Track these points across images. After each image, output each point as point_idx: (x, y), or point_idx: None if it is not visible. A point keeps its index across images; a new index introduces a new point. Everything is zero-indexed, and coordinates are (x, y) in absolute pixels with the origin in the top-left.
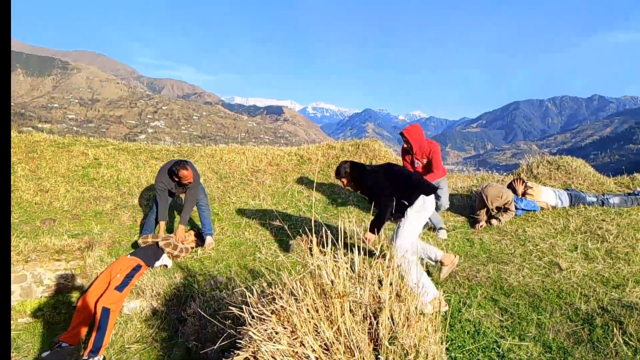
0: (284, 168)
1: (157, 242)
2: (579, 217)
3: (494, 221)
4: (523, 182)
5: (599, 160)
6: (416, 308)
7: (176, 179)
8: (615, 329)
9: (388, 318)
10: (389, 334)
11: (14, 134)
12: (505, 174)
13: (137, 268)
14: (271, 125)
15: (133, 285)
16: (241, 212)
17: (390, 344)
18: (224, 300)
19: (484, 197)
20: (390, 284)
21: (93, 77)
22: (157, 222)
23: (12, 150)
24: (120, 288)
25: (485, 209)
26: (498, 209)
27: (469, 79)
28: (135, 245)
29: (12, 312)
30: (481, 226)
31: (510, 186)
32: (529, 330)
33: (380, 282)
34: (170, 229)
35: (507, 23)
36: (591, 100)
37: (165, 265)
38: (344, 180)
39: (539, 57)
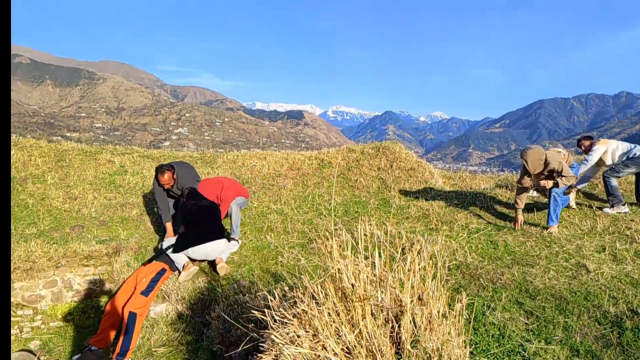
0: (305, 172)
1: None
2: (606, 218)
3: (540, 187)
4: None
5: None
6: (438, 311)
7: (160, 183)
8: None
9: (410, 321)
10: (411, 337)
11: (43, 143)
12: None
13: (161, 272)
14: (292, 130)
15: (159, 289)
16: (263, 216)
17: (412, 347)
18: (247, 304)
19: (524, 162)
20: (412, 287)
21: (118, 86)
22: (164, 226)
23: (42, 159)
24: (146, 293)
25: (530, 177)
26: (544, 175)
27: (491, 78)
28: (157, 250)
29: (44, 316)
30: (532, 190)
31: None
32: (555, 334)
33: (401, 285)
34: None
35: (527, 22)
36: (618, 98)
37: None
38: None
39: (561, 55)
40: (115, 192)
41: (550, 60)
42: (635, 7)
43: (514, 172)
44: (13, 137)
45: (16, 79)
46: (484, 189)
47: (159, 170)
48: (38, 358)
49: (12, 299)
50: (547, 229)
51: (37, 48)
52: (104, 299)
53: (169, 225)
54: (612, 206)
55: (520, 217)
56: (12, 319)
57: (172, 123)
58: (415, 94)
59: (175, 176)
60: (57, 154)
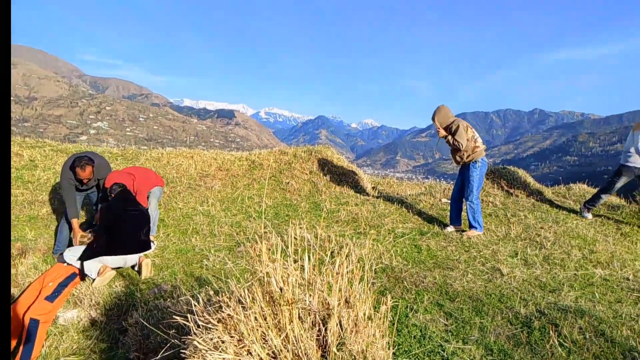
0: (235, 173)
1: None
2: (519, 225)
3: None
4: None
5: (539, 171)
6: (364, 314)
7: (78, 177)
8: (551, 331)
9: (337, 324)
10: (337, 340)
11: None
12: (452, 182)
13: (72, 276)
14: (222, 129)
15: (68, 294)
16: (188, 217)
17: (338, 350)
18: (169, 309)
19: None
20: (340, 290)
21: (31, 73)
22: (69, 223)
23: None
24: (51, 298)
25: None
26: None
27: (419, 90)
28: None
29: None
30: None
31: None
32: (472, 334)
33: (329, 288)
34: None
35: (454, 39)
36: (532, 114)
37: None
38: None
39: (484, 72)
40: (23, 189)
41: (474, 76)
42: (550, 33)
43: (438, 180)
44: None
45: None
46: (409, 195)
47: (79, 164)
48: None
49: None
50: (465, 232)
51: None
52: None
53: (75, 222)
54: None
55: None
56: None
57: (91, 116)
58: (348, 100)
59: (93, 169)
60: None
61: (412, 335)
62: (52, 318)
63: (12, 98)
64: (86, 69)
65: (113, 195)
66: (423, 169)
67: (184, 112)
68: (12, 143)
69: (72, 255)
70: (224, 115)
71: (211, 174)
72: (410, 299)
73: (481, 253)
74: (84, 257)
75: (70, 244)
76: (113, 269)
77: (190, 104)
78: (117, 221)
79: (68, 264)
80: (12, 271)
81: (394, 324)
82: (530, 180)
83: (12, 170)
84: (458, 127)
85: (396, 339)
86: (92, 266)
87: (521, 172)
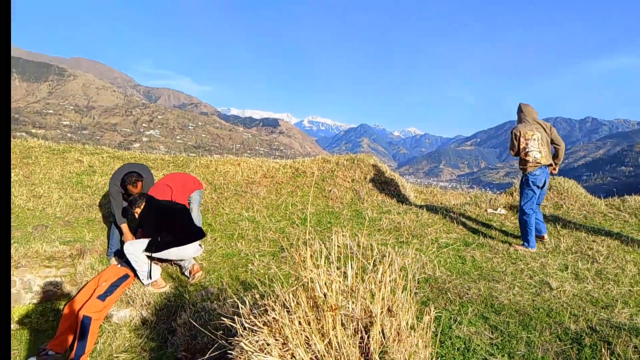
0: (279, 180)
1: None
2: (570, 237)
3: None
4: None
5: (591, 182)
6: (407, 323)
7: (129, 192)
8: (603, 349)
9: (379, 332)
10: (379, 348)
11: None
12: (498, 192)
13: (124, 277)
14: (266, 138)
15: (120, 294)
16: (234, 223)
17: (380, 358)
18: (215, 311)
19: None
20: (382, 299)
21: (89, 84)
22: (119, 227)
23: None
24: (102, 297)
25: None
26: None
27: (463, 99)
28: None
29: None
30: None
31: None
32: (518, 349)
33: (372, 296)
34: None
35: (499, 50)
36: (584, 122)
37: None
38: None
39: (532, 80)
40: (83, 193)
41: (520, 84)
42: (602, 40)
43: (484, 189)
44: None
45: None
46: (454, 204)
47: (130, 181)
48: None
49: None
50: (518, 245)
51: None
52: (64, 302)
53: (125, 227)
54: None
55: None
56: None
57: (144, 124)
58: (391, 109)
59: (142, 184)
60: (22, 151)
61: (456, 348)
62: (104, 316)
63: (72, 107)
64: (140, 79)
65: (139, 206)
66: (468, 178)
67: (230, 121)
68: (73, 150)
69: (134, 249)
70: (269, 124)
71: (257, 181)
72: (454, 311)
73: (529, 266)
74: (151, 249)
75: (122, 246)
76: (175, 262)
77: (237, 113)
78: (166, 221)
79: (121, 265)
80: (71, 270)
81: (436, 335)
82: (581, 191)
83: (73, 175)
84: (510, 134)
85: (439, 350)
86: (155, 269)
87: (572, 183)
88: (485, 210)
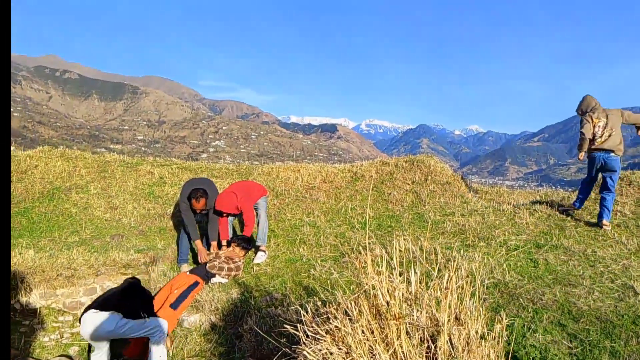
0: (338, 185)
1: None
2: None
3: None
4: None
5: None
6: (477, 332)
7: (193, 208)
8: None
9: (447, 342)
10: (447, 359)
11: (88, 154)
12: (570, 190)
13: (193, 285)
14: (325, 143)
15: (190, 301)
16: (296, 228)
17: None
18: (279, 317)
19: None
20: (449, 306)
21: (160, 100)
22: (191, 243)
23: (86, 170)
24: (174, 305)
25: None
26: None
27: (529, 92)
28: (195, 259)
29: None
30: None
31: None
32: (601, 359)
33: (437, 303)
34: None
35: (566, 36)
36: None
37: (221, 282)
38: None
39: (603, 67)
40: (154, 203)
41: (592, 74)
42: None
43: (554, 187)
44: (60, 148)
45: (65, 94)
46: (522, 204)
47: (195, 196)
48: None
49: (54, 305)
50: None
51: (86, 64)
52: None
53: (198, 243)
54: None
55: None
56: (54, 324)
57: (210, 136)
58: (451, 107)
59: (207, 201)
60: (100, 165)
61: (531, 358)
62: (176, 322)
63: (145, 122)
64: (205, 93)
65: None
66: (536, 176)
67: (290, 129)
68: (145, 162)
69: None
70: (327, 130)
71: (316, 186)
72: (528, 318)
73: (609, 268)
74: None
75: (188, 251)
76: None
77: (296, 120)
78: None
79: (191, 273)
80: (146, 277)
81: (509, 345)
82: None
83: (146, 186)
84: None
85: None
86: None
87: None
88: (558, 210)
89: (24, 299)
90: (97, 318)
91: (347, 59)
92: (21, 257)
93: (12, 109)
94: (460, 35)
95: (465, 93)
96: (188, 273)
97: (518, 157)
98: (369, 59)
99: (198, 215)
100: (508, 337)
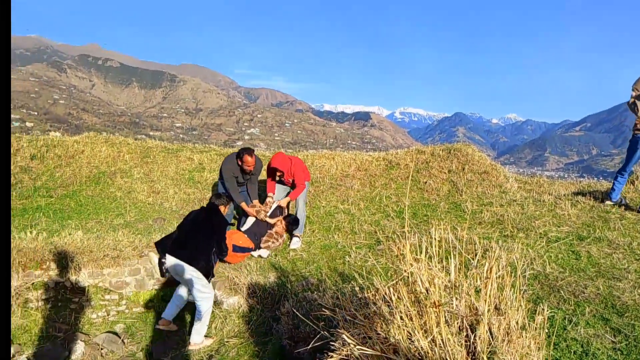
0: (372, 173)
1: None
2: None
3: None
4: None
5: None
6: (517, 323)
7: (239, 163)
8: None
9: (486, 331)
10: (487, 348)
11: (131, 140)
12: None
13: (250, 249)
14: (358, 131)
15: (241, 260)
16: (331, 215)
17: (488, 359)
18: (316, 301)
19: None
20: (489, 296)
21: (197, 88)
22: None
23: (129, 155)
24: (235, 250)
25: None
26: None
27: (570, 80)
28: None
29: (128, 301)
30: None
31: None
32: None
33: (477, 292)
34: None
35: (609, 21)
36: None
37: (260, 256)
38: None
39: None
40: (194, 188)
41: (637, 60)
42: None
43: (596, 178)
44: (104, 134)
45: (107, 82)
46: (563, 195)
47: (247, 152)
48: (122, 340)
49: (101, 284)
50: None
51: (125, 52)
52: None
53: (244, 205)
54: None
55: None
56: (101, 302)
57: (245, 124)
58: (488, 95)
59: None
60: (142, 151)
61: (572, 351)
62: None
63: (183, 110)
64: (240, 81)
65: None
66: (577, 167)
67: (323, 117)
68: (185, 149)
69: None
70: (360, 118)
71: (351, 174)
72: (569, 310)
73: None
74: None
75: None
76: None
77: (330, 109)
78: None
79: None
80: None
81: (550, 337)
82: None
83: (186, 172)
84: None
85: (553, 352)
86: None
87: None
88: (602, 201)
89: (73, 277)
90: (180, 267)
91: (381, 46)
92: (70, 238)
93: (58, 97)
94: (499, 22)
95: (503, 81)
96: (246, 236)
97: (558, 146)
98: (404, 46)
99: (240, 177)
100: (548, 330)
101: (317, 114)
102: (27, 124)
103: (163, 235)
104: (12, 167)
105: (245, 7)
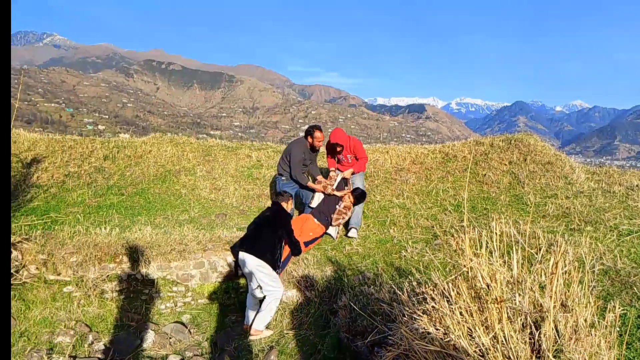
0: (428, 166)
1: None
2: None
3: None
4: None
5: None
6: (585, 320)
7: (310, 140)
8: None
9: (552, 329)
10: (553, 346)
11: (194, 140)
12: None
13: (322, 236)
14: (413, 124)
15: (311, 247)
16: (386, 210)
17: (555, 357)
18: (373, 295)
19: None
20: (555, 292)
21: (253, 87)
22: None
23: (192, 154)
24: (307, 244)
25: None
26: None
27: None
28: None
29: (193, 293)
30: None
31: None
32: None
33: (541, 289)
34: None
35: None
36: None
37: (331, 235)
38: None
39: None
40: (253, 184)
41: None
42: None
43: None
44: (169, 135)
45: (170, 84)
46: (636, 186)
47: (317, 127)
48: (189, 330)
49: (169, 276)
50: None
51: (186, 56)
52: (242, 282)
53: (311, 184)
54: None
55: None
56: (169, 294)
57: (300, 120)
58: (551, 82)
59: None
60: (204, 150)
61: None
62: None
63: (240, 109)
64: (294, 78)
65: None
66: None
67: (377, 111)
68: (243, 147)
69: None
70: (415, 110)
71: (405, 168)
72: None
73: None
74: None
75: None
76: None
77: (383, 102)
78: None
79: (317, 220)
80: None
81: (621, 335)
82: None
83: (245, 169)
84: None
85: (625, 352)
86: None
87: None
88: None
89: (143, 270)
90: (249, 259)
91: (434, 36)
92: (140, 233)
93: (126, 100)
94: (559, 5)
95: (566, 66)
96: (315, 220)
97: (629, 134)
98: (458, 35)
99: (307, 158)
100: (620, 328)
101: (371, 108)
102: (100, 127)
103: (224, 230)
104: (87, 167)
105: (299, 3)
